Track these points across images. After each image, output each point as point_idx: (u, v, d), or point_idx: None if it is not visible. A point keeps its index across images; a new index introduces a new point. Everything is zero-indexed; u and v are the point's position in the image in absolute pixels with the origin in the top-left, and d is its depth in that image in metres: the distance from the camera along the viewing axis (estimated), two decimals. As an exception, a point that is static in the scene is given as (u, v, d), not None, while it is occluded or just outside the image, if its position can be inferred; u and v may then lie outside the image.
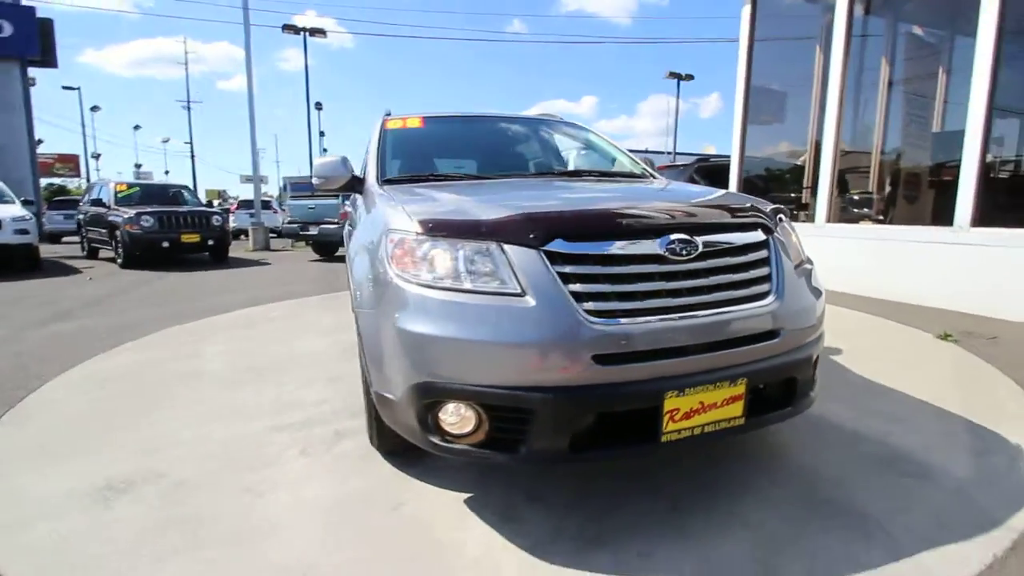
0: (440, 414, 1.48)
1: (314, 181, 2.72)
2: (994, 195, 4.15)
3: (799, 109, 6.49)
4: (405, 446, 1.96)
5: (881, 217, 5.47)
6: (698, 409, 1.46)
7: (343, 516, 1.70)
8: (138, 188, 9.90)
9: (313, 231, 9.94)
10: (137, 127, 53.04)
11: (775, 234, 1.74)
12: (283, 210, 20.37)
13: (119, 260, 8.74)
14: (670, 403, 1.42)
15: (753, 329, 1.54)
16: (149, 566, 1.48)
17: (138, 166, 40.14)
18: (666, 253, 1.49)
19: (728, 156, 8.89)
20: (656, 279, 1.48)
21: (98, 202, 9.26)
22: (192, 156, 37.08)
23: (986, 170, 4.06)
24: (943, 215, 4.33)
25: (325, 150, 24.10)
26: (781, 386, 1.64)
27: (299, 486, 1.88)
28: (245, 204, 21.07)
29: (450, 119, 3.05)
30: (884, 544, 1.49)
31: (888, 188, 5.56)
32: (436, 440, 1.50)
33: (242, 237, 14.67)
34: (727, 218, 1.69)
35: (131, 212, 8.48)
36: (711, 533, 1.55)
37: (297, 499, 1.80)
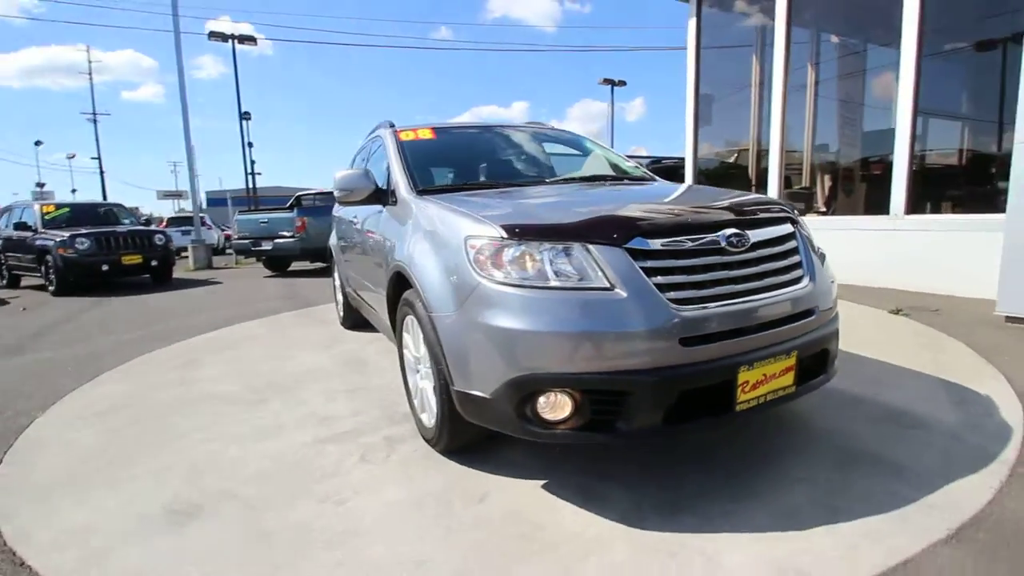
0: (539, 404, 1.60)
1: (336, 193, 2.74)
2: (922, 186, 4.76)
3: (740, 111, 7.06)
4: (471, 444, 2.07)
5: (824, 209, 6.08)
6: (762, 380, 1.67)
7: (432, 512, 1.77)
8: (68, 208, 9.13)
9: (267, 246, 9.57)
10: (39, 143, 47.80)
11: (799, 226, 1.99)
12: (212, 226, 19.30)
13: (51, 287, 8.03)
14: (742, 376, 1.62)
15: (797, 308, 1.78)
16: (265, 577, 1.49)
17: (40, 185, 36.33)
18: (726, 246, 1.70)
19: (673, 157, 9.47)
20: (720, 268, 1.68)
21: (22, 225, 8.46)
22: (101, 172, 34.17)
23: (914, 164, 4.65)
24: (880, 205, 4.90)
25: (254, 162, 22.93)
26: (817, 357, 1.88)
27: (375, 491, 1.92)
28: (174, 222, 19.82)
29: (459, 130, 3.16)
30: (914, 482, 1.76)
31: (828, 183, 6.19)
32: (537, 428, 1.61)
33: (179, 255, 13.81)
34: (765, 213, 1.93)
35: (64, 235, 7.83)
36: (774, 490, 1.76)
37: (379, 502, 1.85)
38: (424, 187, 2.49)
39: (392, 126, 3.20)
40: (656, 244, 1.63)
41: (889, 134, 4.70)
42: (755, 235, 1.78)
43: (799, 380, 1.78)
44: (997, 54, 4.76)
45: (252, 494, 1.94)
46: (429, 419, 2.15)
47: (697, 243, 1.67)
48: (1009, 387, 2.50)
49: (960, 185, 4.89)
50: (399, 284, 2.33)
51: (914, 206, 4.60)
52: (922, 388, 2.57)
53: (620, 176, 2.87)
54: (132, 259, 8.33)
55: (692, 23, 6.79)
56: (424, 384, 2.19)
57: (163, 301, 7.19)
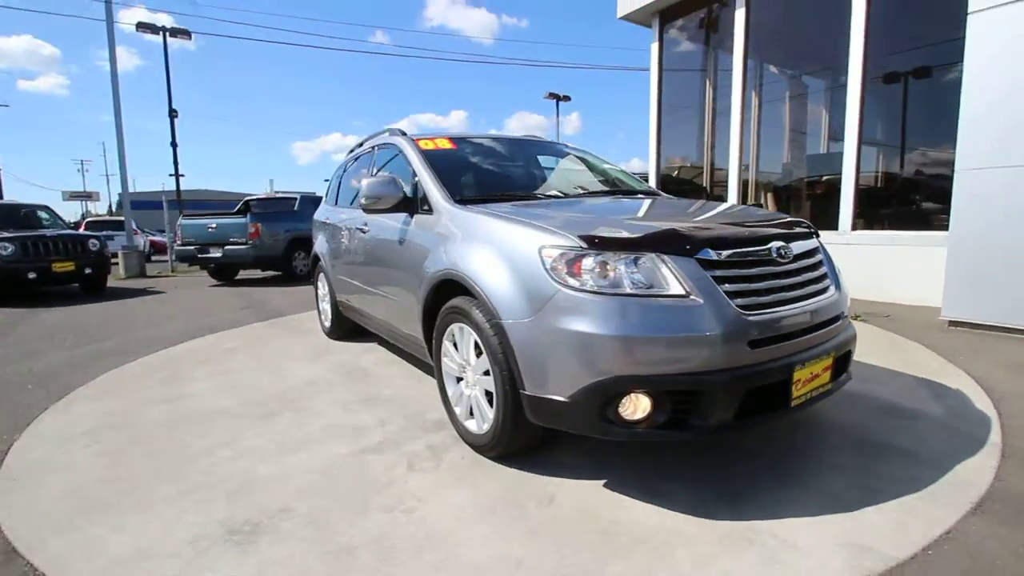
0: (621, 405, 1.69)
1: (363, 201, 2.72)
2: (866, 205, 5.32)
3: (689, 129, 7.53)
4: (526, 449, 2.12)
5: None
6: (810, 378, 1.86)
7: (507, 515, 1.80)
8: (-17, 210, 8.18)
9: (215, 253, 9.04)
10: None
11: (820, 241, 2.22)
12: (139, 232, 18.02)
13: (-36, 297, 7.17)
14: (796, 375, 1.80)
15: (830, 314, 1.99)
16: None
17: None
18: (776, 257, 1.88)
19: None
20: (772, 278, 1.86)
21: (-73, 228, 7.48)
22: (-1, 170, 30.73)
23: (859, 185, 5.19)
24: (829, 221, 5.42)
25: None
26: (844, 358, 2.10)
27: (440, 497, 1.93)
28: (93, 226, 18.13)
29: (476, 140, 3.20)
30: (928, 464, 2.00)
31: (774, 201, 6.73)
32: (619, 429, 1.70)
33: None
34: (797, 229, 2.13)
35: (-18, 239, 7.03)
36: (815, 477, 1.95)
37: (449, 508, 1.85)
38: (462, 197, 2.52)
39: (404, 134, 3.21)
40: (722, 255, 1.78)
41: (831, 157, 5.23)
42: (795, 247, 1.98)
43: (833, 378, 1.98)
44: (929, 86, 5.42)
45: (310, 509, 1.89)
46: (479, 426, 2.18)
47: (754, 254, 1.84)
48: (973, 381, 2.88)
49: (896, 204, 5.50)
50: (440, 292, 2.35)
51: (860, 223, 5.14)
52: (903, 385, 2.90)
53: (634, 190, 3.04)
54: (64, 266, 7.60)
55: (655, 47, 7.21)
56: (472, 391, 2.22)
57: (106, 312, 6.62)
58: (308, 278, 9.39)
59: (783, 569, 1.49)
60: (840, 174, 5.30)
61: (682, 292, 1.69)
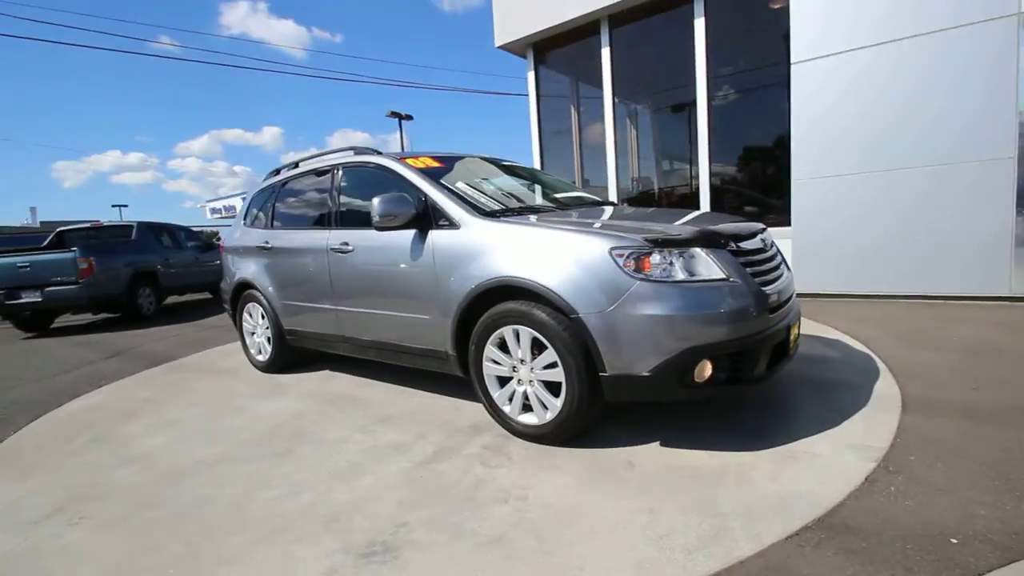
0: (693, 370, 2.09)
1: (376, 219, 2.74)
2: (718, 208, 6.62)
3: (566, 152, 8.45)
4: (585, 430, 2.41)
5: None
6: (796, 335, 2.49)
7: (606, 483, 2.06)
8: None
9: (32, 297, 7.31)
10: None
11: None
12: None
13: None
14: (792, 332, 2.40)
15: (793, 287, 2.66)
16: None
17: None
18: (764, 246, 2.48)
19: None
20: (766, 262, 2.45)
21: None
22: None
23: (713, 190, 6.45)
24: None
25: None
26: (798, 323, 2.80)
27: (538, 483, 2.10)
28: None
29: (449, 158, 3.36)
30: (856, 388, 2.78)
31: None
32: (692, 390, 2.10)
33: None
34: (759, 226, 2.78)
35: None
36: (802, 410, 2.58)
37: (555, 488, 2.05)
38: (485, 211, 2.71)
39: (386, 155, 3.23)
40: (740, 246, 2.31)
41: (677, 172, 6.46)
42: (764, 239, 2.61)
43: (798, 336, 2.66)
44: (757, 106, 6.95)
45: (427, 516, 1.92)
46: (541, 417, 2.39)
47: (754, 244, 2.41)
48: (842, 333, 3.93)
49: (742, 205, 6.91)
50: (478, 302, 2.51)
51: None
52: (826, 343, 3.82)
53: (603, 201, 3.54)
54: None
55: (531, 75, 7.95)
56: (529, 388, 2.43)
57: None
58: (154, 318, 8.16)
59: (824, 469, 2.02)
60: (689, 183, 6.55)
61: (725, 276, 2.17)
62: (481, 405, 2.71)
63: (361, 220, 3.18)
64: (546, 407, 2.37)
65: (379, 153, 3.29)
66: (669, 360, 2.07)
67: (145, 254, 8.67)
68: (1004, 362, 3.08)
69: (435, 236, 2.73)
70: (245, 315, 4.28)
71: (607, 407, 2.36)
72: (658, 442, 2.38)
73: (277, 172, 4.30)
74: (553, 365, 2.31)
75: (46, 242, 8.79)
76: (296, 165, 4.04)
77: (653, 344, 2.08)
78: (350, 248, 3.19)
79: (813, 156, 5.06)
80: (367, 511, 2.00)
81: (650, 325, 2.07)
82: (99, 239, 8.70)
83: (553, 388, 2.35)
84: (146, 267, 8.51)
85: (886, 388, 2.79)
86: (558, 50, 7.80)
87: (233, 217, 8.70)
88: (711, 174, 6.38)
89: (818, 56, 4.95)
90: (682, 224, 2.46)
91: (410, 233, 2.83)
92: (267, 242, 3.93)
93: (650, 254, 2.14)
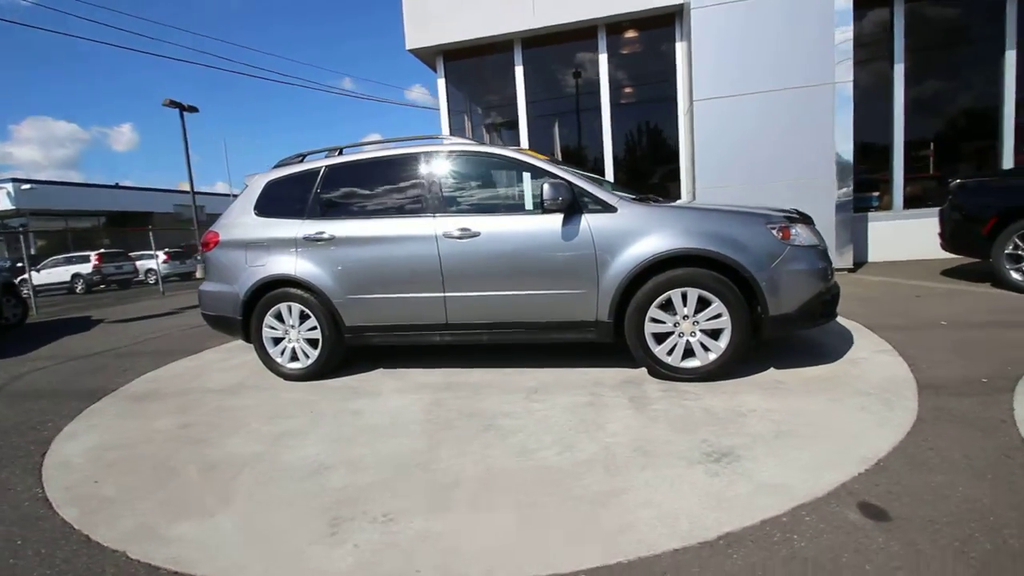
0: (819, 308, 3.03)
1: (547, 202, 3.03)
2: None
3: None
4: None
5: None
6: (825, 286, 3.66)
7: (787, 395, 2.82)
8: None
9: None
10: None
11: None
12: None
13: None
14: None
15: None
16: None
17: None
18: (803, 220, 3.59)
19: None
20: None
21: None
22: None
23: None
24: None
25: None
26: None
27: (747, 405, 2.75)
28: None
29: (526, 151, 3.73)
30: (847, 337, 4.11)
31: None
32: (819, 319, 3.04)
33: None
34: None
35: None
36: (823, 349, 3.76)
37: (762, 403, 2.72)
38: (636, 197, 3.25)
39: (506, 147, 3.45)
40: (805, 222, 3.33)
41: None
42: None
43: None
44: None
45: (716, 433, 2.42)
46: (704, 358, 3.02)
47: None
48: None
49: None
50: (644, 272, 3.04)
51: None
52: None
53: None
54: None
55: (441, 82, 8.25)
56: (691, 338, 3.05)
57: None
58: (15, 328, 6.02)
59: (871, 361, 3.16)
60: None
61: (818, 242, 3.16)
62: (597, 369, 3.25)
63: (483, 207, 3.34)
64: (708, 350, 3.03)
65: (489, 145, 3.47)
66: (809, 300, 2.96)
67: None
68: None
69: (591, 219, 3.13)
70: (269, 319, 3.78)
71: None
72: (772, 367, 3.24)
73: (301, 158, 3.94)
74: (717, 316, 2.98)
75: None
76: (340, 151, 3.81)
77: (799, 291, 2.94)
78: (474, 232, 3.29)
79: (710, 170, 6.71)
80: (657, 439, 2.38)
81: (799, 278, 2.93)
82: None
83: (712, 335, 3.02)
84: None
85: (870, 344, 4.19)
86: (467, 60, 8.30)
87: None
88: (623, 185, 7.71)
89: (712, 97, 6.61)
90: (764, 207, 3.40)
91: (557, 217, 3.16)
92: (322, 232, 3.61)
93: (789, 227, 3.01)
